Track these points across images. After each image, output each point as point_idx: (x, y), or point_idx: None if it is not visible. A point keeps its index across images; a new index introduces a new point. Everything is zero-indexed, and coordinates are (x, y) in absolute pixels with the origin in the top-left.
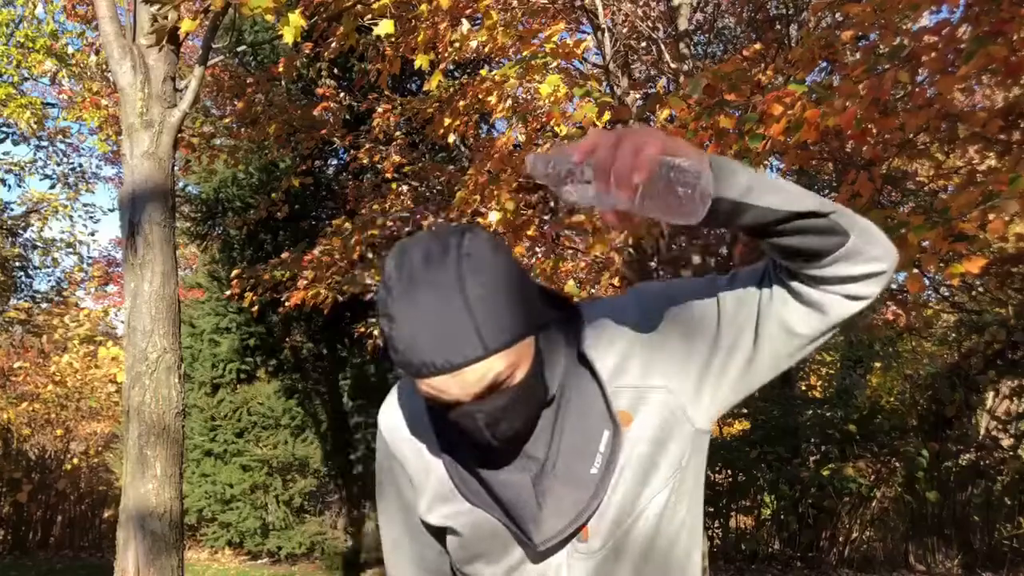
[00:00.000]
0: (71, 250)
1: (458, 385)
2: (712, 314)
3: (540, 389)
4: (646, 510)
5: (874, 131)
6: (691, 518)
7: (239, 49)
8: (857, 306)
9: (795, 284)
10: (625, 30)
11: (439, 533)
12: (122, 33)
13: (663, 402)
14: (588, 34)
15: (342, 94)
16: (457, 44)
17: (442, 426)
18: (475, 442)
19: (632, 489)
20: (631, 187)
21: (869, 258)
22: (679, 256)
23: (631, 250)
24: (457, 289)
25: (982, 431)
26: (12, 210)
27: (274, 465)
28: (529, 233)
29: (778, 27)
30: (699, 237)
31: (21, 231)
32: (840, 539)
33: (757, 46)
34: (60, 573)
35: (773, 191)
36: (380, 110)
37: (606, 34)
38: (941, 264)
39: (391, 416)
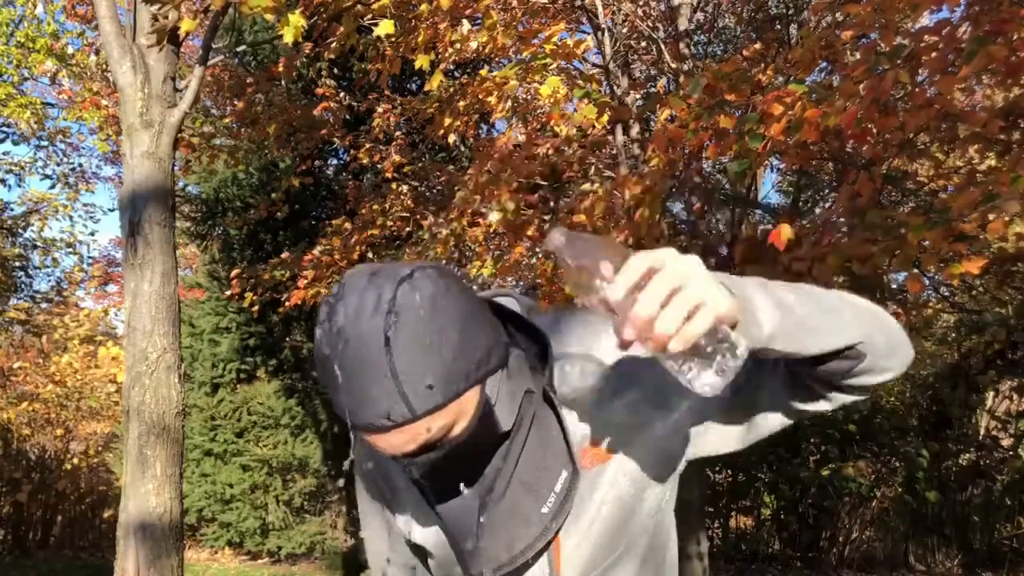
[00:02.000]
0: (71, 250)
1: (387, 445)
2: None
3: (486, 433)
4: (620, 560)
5: (874, 131)
6: (669, 554)
7: (239, 49)
8: (852, 399)
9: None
10: (625, 30)
11: (419, 551)
12: (122, 33)
13: (650, 443)
14: (588, 34)
15: (342, 94)
16: (457, 44)
17: None
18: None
19: (604, 541)
20: (661, 347)
21: (884, 370)
22: None
23: (631, 250)
24: (383, 353)
25: (982, 431)
26: (12, 210)
27: (274, 465)
28: (529, 233)
29: (778, 27)
30: (699, 237)
31: (21, 231)
32: (840, 539)
33: (757, 46)
34: (60, 573)
35: (797, 338)
36: (380, 110)
37: (606, 34)
38: (941, 264)
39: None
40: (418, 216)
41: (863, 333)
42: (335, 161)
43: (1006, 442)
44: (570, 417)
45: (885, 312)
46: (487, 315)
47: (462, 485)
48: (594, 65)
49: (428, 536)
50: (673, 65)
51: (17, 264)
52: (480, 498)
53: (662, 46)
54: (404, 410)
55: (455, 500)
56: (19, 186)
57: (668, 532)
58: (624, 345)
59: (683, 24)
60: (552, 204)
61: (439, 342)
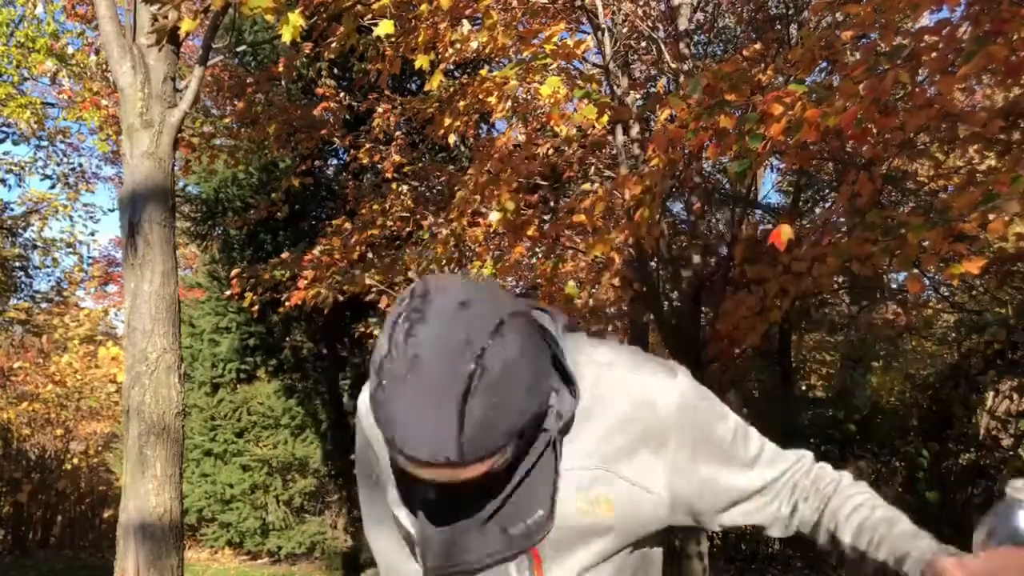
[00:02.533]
0: (71, 250)
1: (423, 472)
2: (739, 462)
3: (505, 474)
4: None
5: (874, 131)
6: None
7: (239, 49)
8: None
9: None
10: (625, 30)
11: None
12: (122, 33)
13: (653, 507)
14: (588, 34)
15: (342, 94)
16: (457, 44)
17: None
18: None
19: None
20: None
21: None
22: (679, 256)
23: (631, 250)
24: (457, 404)
25: (982, 431)
26: (12, 210)
27: (274, 465)
28: (529, 233)
29: (778, 27)
30: (699, 237)
31: (21, 231)
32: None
33: (757, 46)
34: (60, 573)
35: None
36: (380, 110)
37: (606, 34)
38: (941, 264)
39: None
40: (418, 216)
41: None
42: (335, 161)
43: (1006, 442)
44: (579, 461)
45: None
46: (547, 364)
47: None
48: (594, 65)
49: (411, 524)
50: (673, 65)
51: (17, 264)
52: (460, 523)
53: (662, 46)
54: (454, 454)
55: (426, 524)
56: (19, 186)
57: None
58: None
59: (683, 24)
60: (552, 204)
61: (508, 403)
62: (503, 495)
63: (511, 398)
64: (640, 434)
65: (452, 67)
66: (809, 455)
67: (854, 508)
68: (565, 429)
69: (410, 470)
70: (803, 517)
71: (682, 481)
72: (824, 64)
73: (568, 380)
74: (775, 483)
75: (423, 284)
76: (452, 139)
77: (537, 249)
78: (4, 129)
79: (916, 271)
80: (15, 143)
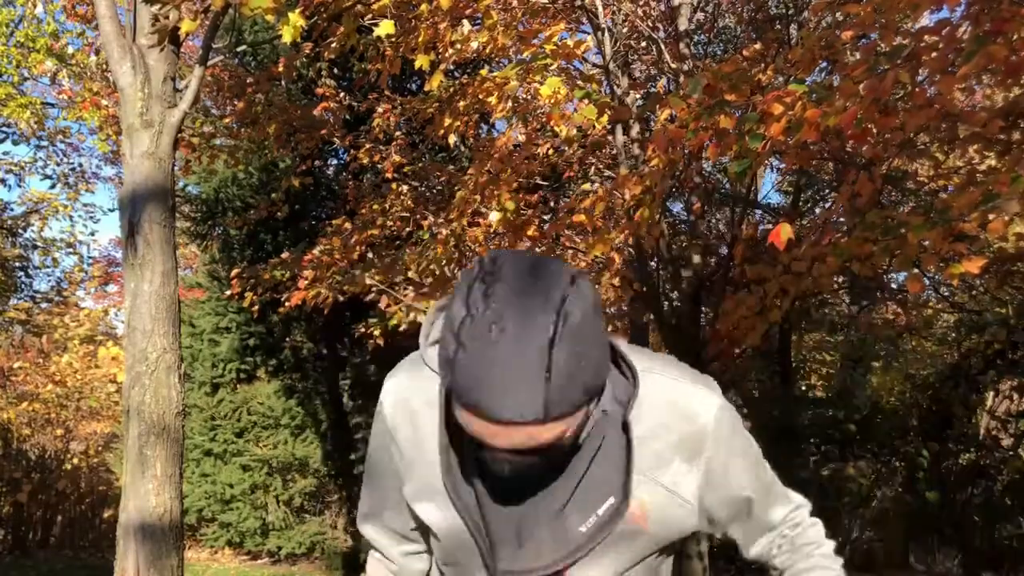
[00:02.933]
0: (71, 250)
1: (503, 437)
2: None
3: (575, 446)
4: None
5: (874, 131)
6: None
7: (239, 49)
8: None
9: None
10: (625, 30)
11: (423, 527)
12: (122, 33)
13: (685, 515)
14: (588, 34)
15: (342, 94)
16: (457, 44)
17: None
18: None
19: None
20: None
21: None
22: (679, 256)
23: (631, 250)
24: (544, 355)
25: (982, 431)
26: (12, 210)
27: (274, 465)
28: (529, 233)
29: (778, 27)
30: (699, 237)
31: (21, 231)
32: (840, 539)
33: (757, 46)
34: (60, 573)
35: None
36: (380, 110)
37: (606, 34)
38: (941, 264)
39: (400, 386)
40: (418, 216)
41: None
42: (335, 161)
43: (1006, 442)
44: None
45: None
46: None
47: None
48: (594, 65)
49: (440, 520)
50: (673, 65)
51: (17, 264)
52: (530, 512)
53: (662, 46)
54: (540, 411)
55: (505, 507)
56: (19, 186)
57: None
58: None
59: (683, 24)
60: (552, 204)
61: (588, 355)
62: (575, 480)
63: (591, 350)
64: (676, 442)
65: (452, 67)
66: (807, 506)
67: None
68: (627, 413)
69: (488, 439)
70: (770, 560)
71: (711, 493)
72: (824, 64)
73: (619, 364)
74: (781, 520)
75: (491, 253)
76: (452, 139)
77: (537, 249)
78: (4, 129)
79: (916, 271)
80: (15, 143)
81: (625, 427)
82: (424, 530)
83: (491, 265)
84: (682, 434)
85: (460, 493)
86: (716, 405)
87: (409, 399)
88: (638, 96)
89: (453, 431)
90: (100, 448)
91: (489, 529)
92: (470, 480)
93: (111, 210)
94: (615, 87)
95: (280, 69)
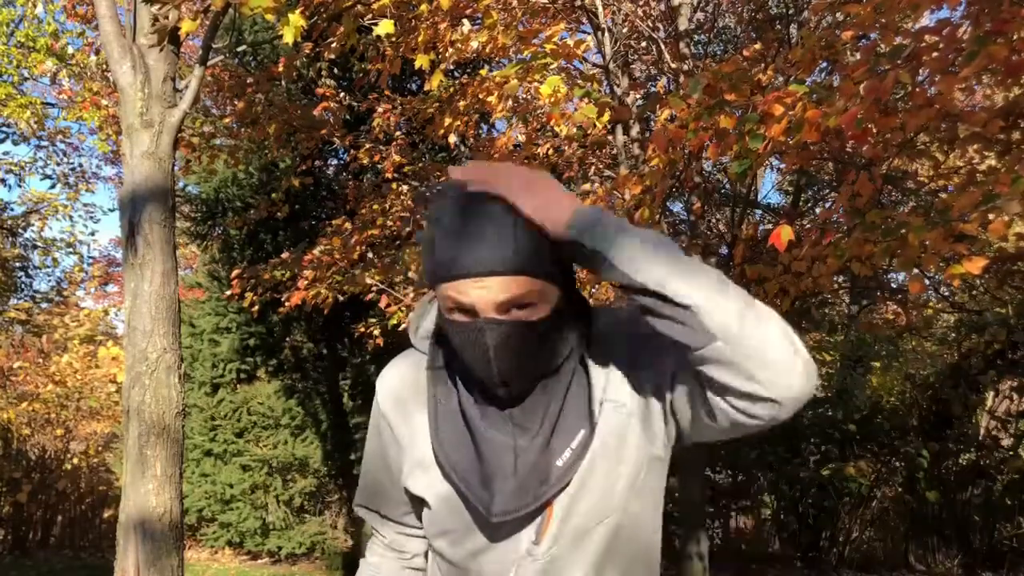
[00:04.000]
0: (71, 250)
1: (483, 291)
2: (669, 363)
3: (550, 348)
4: (603, 522)
5: (874, 131)
6: (649, 533)
7: (239, 49)
8: (746, 423)
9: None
10: (625, 30)
11: (416, 502)
12: (122, 33)
13: (624, 419)
14: (588, 34)
15: (342, 94)
16: (457, 44)
17: (447, 374)
18: (477, 379)
19: (596, 503)
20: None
21: (746, 375)
22: None
23: None
24: (511, 217)
25: (982, 431)
26: (12, 210)
27: (274, 465)
28: None
29: (778, 27)
30: (699, 237)
31: (21, 231)
32: (840, 539)
33: (757, 46)
34: (60, 573)
35: (638, 257)
36: (380, 110)
37: (606, 34)
38: (942, 264)
39: (389, 378)
40: (418, 216)
41: (708, 299)
42: (335, 161)
43: (1006, 442)
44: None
45: (770, 314)
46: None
47: (516, 413)
48: (594, 65)
49: (429, 487)
50: (673, 65)
51: (17, 264)
52: (522, 439)
53: (662, 46)
54: (513, 261)
55: (496, 431)
56: (19, 186)
57: (647, 521)
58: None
59: (683, 24)
60: None
61: (550, 242)
62: (556, 407)
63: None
64: (605, 362)
65: (452, 67)
66: None
67: None
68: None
69: (476, 296)
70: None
71: (638, 383)
72: (824, 64)
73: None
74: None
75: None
76: (452, 139)
77: None
78: (4, 129)
79: (917, 272)
80: (15, 143)
81: (583, 362)
82: (419, 505)
83: (450, 183)
84: (618, 350)
85: (449, 454)
86: (633, 311)
87: (399, 387)
88: (638, 96)
89: (441, 399)
90: (100, 448)
91: (485, 467)
92: (463, 424)
93: (111, 210)
94: (615, 87)
95: (280, 69)
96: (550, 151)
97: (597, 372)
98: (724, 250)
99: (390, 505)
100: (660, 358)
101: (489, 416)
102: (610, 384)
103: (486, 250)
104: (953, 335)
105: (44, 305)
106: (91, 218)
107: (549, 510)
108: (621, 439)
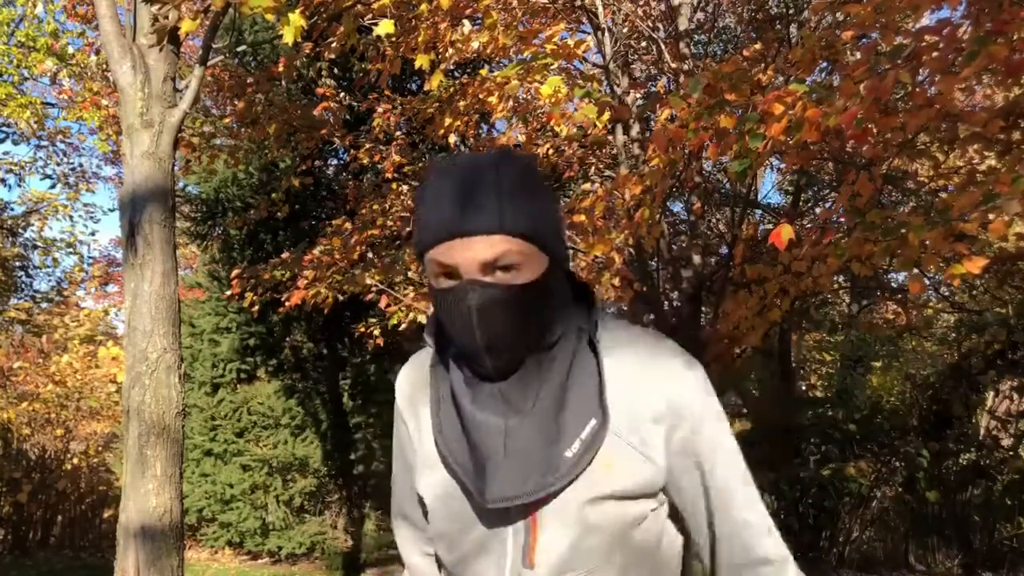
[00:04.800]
0: (71, 250)
1: (467, 251)
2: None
3: (538, 318)
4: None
5: (874, 131)
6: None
7: (239, 49)
8: None
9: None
10: (625, 30)
11: (422, 503)
12: (122, 33)
13: (650, 475)
14: (588, 34)
15: (342, 94)
16: (457, 44)
17: (443, 358)
18: (465, 352)
19: (585, 541)
20: None
21: None
22: (679, 256)
23: (631, 250)
24: (493, 173)
25: (982, 431)
26: (12, 210)
27: (274, 465)
28: None
29: (778, 27)
30: (699, 237)
31: (21, 231)
32: (840, 539)
33: (757, 46)
34: (60, 573)
35: None
36: (380, 110)
37: (606, 34)
38: (942, 264)
39: (402, 377)
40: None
41: None
42: (335, 161)
43: (1006, 442)
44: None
45: None
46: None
47: (507, 390)
48: (594, 65)
49: (428, 487)
50: (673, 65)
51: (17, 264)
52: (514, 419)
53: (662, 46)
54: (496, 220)
55: (487, 414)
56: (19, 186)
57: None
58: None
59: (683, 24)
60: None
61: (534, 194)
62: (551, 389)
63: (534, 190)
64: (651, 403)
65: (452, 67)
66: (793, 563)
67: None
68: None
69: (453, 259)
70: (705, 558)
71: (678, 457)
72: (824, 64)
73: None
74: (764, 556)
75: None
76: (452, 139)
77: None
78: (4, 129)
79: (917, 272)
80: (15, 143)
81: (593, 347)
82: (424, 506)
83: (444, 159)
84: (659, 396)
85: (449, 444)
86: (694, 377)
87: (410, 385)
88: (638, 96)
89: (442, 389)
90: (100, 448)
91: (477, 452)
92: (455, 412)
93: (111, 210)
94: (615, 87)
95: (280, 69)
96: (550, 151)
97: (624, 402)
98: (724, 250)
99: (412, 504)
100: (685, 439)
101: (480, 398)
102: (640, 430)
103: (471, 211)
104: (953, 335)
105: (44, 305)
106: (91, 218)
107: (533, 528)
108: (628, 475)
